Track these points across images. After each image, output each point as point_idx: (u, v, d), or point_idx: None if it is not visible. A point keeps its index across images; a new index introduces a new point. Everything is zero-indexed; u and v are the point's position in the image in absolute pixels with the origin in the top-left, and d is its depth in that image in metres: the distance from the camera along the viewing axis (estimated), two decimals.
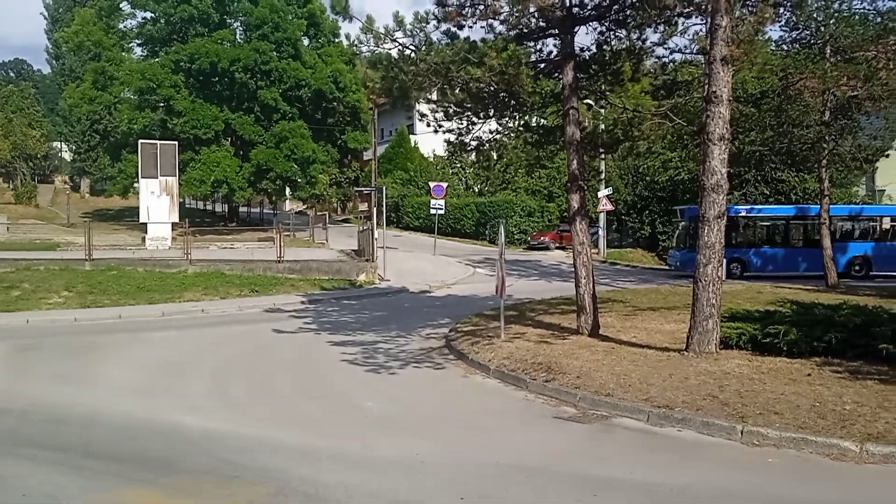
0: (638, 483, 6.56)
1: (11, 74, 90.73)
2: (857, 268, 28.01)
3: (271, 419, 9.01)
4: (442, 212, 35.60)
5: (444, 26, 11.62)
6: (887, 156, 25.14)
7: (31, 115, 56.18)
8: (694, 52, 13.66)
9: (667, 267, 33.52)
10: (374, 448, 7.74)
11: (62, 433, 8.45)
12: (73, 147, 64.71)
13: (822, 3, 20.12)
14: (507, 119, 14.32)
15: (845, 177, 32.01)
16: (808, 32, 20.61)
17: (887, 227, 28.83)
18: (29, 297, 19.45)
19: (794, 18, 19.36)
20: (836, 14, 20.15)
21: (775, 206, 31.56)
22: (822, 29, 20.21)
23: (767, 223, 29.15)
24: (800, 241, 28.68)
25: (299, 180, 42.36)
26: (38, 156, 54.66)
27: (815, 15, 19.90)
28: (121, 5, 41.81)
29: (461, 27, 12.02)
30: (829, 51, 20.95)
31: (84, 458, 7.49)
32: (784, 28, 20.32)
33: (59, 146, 69.64)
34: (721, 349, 11.06)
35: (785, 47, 21.58)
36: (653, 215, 36.71)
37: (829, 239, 23.35)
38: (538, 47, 13.40)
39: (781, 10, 11.70)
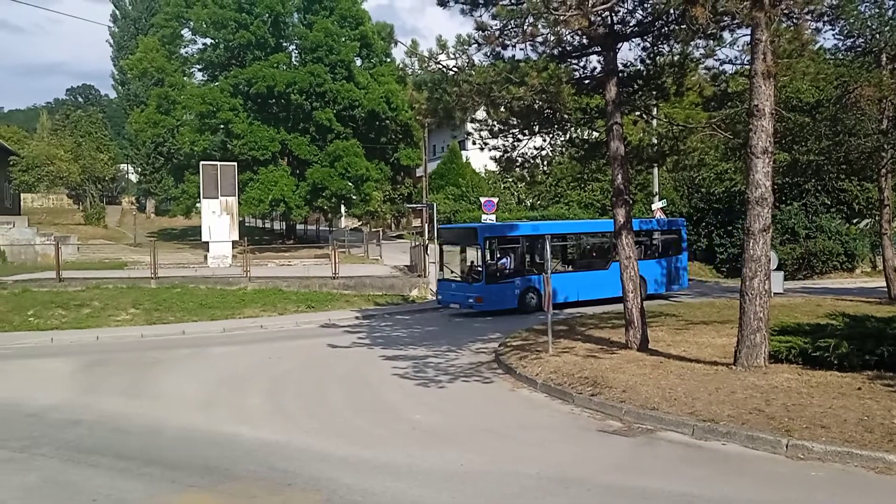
0: (676, 495, 6.64)
1: (80, 99, 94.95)
2: (663, 287, 24.45)
3: (322, 430, 9.35)
4: None
5: (485, 48, 11.92)
6: None
7: (99, 139, 58.56)
8: (744, 62, 13.60)
9: (724, 278, 32.96)
10: (420, 458, 7.99)
11: (127, 442, 8.97)
12: (139, 169, 67.32)
13: (877, 10, 19.71)
14: (552, 135, 14.49)
15: None
16: (862, 40, 20.17)
17: (668, 240, 25.46)
18: (98, 314, 20.41)
19: (847, 27, 19.02)
20: (890, 21, 19.69)
21: (567, 222, 28.10)
22: (878, 36, 19.76)
23: (564, 242, 23.81)
24: (599, 261, 23.75)
25: (353, 197, 43.23)
26: (106, 178, 56.86)
27: (868, 23, 19.49)
28: (182, 32, 43.58)
29: (504, 47, 12.29)
30: (884, 58, 20.46)
31: (146, 465, 7.96)
32: (838, 36, 19.96)
33: (125, 168, 72.43)
34: (771, 363, 10.95)
35: (840, 56, 21.17)
36: (709, 227, 36.17)
37: (890, 250, 22.66)
38: (581, 64, 13.58)
39: (825, 21, 11.49)
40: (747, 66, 11.42)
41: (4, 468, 7.97)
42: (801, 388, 9.63)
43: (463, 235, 23.13)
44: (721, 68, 13.81)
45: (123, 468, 7.91)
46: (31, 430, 9.62)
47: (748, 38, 11.07)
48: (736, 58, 13.29)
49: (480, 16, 12.12)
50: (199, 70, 45.90)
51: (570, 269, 23.20)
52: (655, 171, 31.75)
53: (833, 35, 20.39)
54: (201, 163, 33.42)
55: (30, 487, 7.36)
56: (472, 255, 22.11)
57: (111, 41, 70.91)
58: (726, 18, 11.41)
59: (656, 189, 35.22)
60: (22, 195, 52.49)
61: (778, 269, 21.01)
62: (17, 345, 17.28)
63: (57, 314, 20.18)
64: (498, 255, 21.54)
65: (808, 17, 11.29)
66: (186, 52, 44.87)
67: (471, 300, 20.90)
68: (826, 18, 11.64)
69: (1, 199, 43.43)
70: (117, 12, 70.19)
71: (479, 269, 21.09)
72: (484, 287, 20.89)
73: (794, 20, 11.22)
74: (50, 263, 25.91)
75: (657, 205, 34.10)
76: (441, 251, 22.77)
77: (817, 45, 17.74)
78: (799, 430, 7.99)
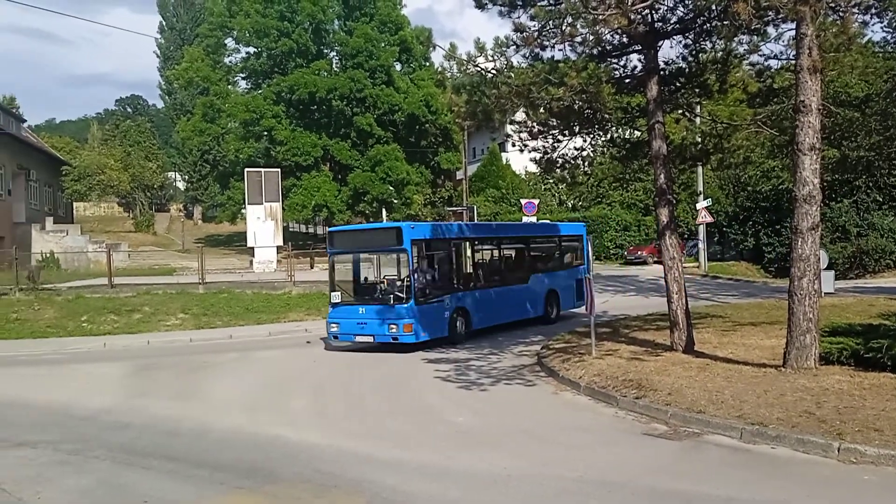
0: (723, 499, 6.51)
1: (129, 110, 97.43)
2: (550, 308, 20.21)
3: (365, 433, 9.43)
4: None
5: (524, 50, 11.90)
6: None
7: (147, 148, 60.16)
8: (790, 57, 13.32)
9: (773, 278, 32.23)
10: (461, 461, 7.99)
11: (176, 445, 9.18)
12: (186, 177, 68.89)
13: None
14: (592, 135, 14.38)
15: None
16: None
17: (570, 248, 22.00)
18: (149, 319, 20.93)
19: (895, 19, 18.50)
20: None
21: (500, 224, 24.36)
22: None
23: (488, 248, 19.21)
24: (518, 273, 19.69)
25: (394, 202, 43.58)
26: (155, 186, 58.33)
27: None
28: (226, 42, 44.52)
29: (543, 48, 12.23)
30: None
31: (195, 467, 8.13)
32: (887, 29, 19.43)
33: (173, 176, 74.11)
34: (821, 365, 10.68)
35: (889, 48, 20.60)
36: (756, 226, 35.50)
37: None
38: (622, 63, 13.44)
39: (872, 14, 11.16)
40: (793, 62, 11.20)
41: (59, 470, 8.21)
42: (853, 391, 9.38)
43: (378, 239, 17.23)
44: (766, 64, 13.56)
45: (173, 470, 8.08)
46: (84, 433, 9.90)
47: (793, 33, 10.85)
48: (781, 53, 13.02)
49: (518, 17, 12.08)
50: (243, 78, 46.89)
51: (490, 283, 18.57)
52: (699, 169, 31.29)
53: (881, 28, 19.89)
54: (246, 169, 34.03)
55: (84, 489, 7.57)
56: (384, 266, 17.45)
57: (158, 52, 72.87)
58: (770, 13, 11.17)
59: (701, 188, 34.74)
60: (74, 204, 54.09)
61: (828, 268, 20.51)
62: (72, 349, 17.82)
63: (109, 319, 20.75)
64: (426, 266, 16.46)
65: (855, 9, 10.99)
66: (230, 62, 45.89)
67: (394, 329, 15.51)
68: (873, 11, 11.33)
69: (55, 208, 44.82)
70: (164, 24, 72.01)
71: (406, 284, 15.88)
72: (413, 309, 15.60)
73: (840, 13, 10.93)
74: (102, 270, 26.65)
75: (702, 204, 33.61)
76: (332, 265, 17.09)
77: (865, 39, 17.32)
78: (851, 434, 7.77)
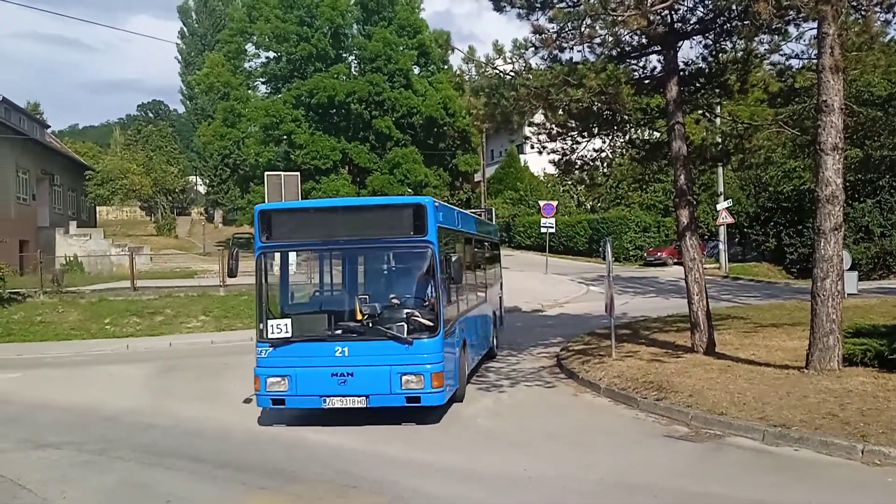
0: (746, 501, 6.49)
1: (150, 115, 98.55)
2: (495, 341, 14.91)
3: (386, 434, 9.44)
4: (553, 230, 35.56)
5: (542, 52, 11.91)
6: None
7: (169, 153, 60.85)
8: (811, 57, 13.22)
9: (795, 279, 31.88)
10: (483, 463, 8.00)
11: (199, 445, 9.26)
12: (207, 181, 69.53)
13: None
14: (611, 136, 14.34)
15: None
16: None
17: (491, 255, 16.61)
18: (171, 321, 21.11)
19: None
20: None
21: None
22: None
23: (474, 248, 13.78)
24: (480, 290, 13.92)
25: None
26: (176, 190, 58.93)
27: None
28: (246, 47, 44.93)
29: (562, 49, 12.23)
30: None
31: (218, 468, 8.21)
32: None
33: (194, 180, 74.80)
34: (845, 366, 10.56)
35: None
36: (778, 227, 35.17)
37: None
38: (641, 64, 13.40)
39: (895, 13, 11.01)
40: (814, 61, 11.11)
41: (84, 470, 8.32)
42: (877, 392, 9.27)
43: (371, 224, 9.88)
44: (787, 63, 13.46)
45: (196, 470, 8.16)
46: (108, 434, 10.02)
47: (814, 32, 10.77)
48: (802, 52, 12.92)
49: (537, 19, 12.07)
50: (263, 83, 47.31)
51: (474, 302, 12.73)
52: (720, 170, 31.06)
53: None
54: (266, 173, 34.19)
55: (108, 488, 7.67)
56: (386, 272, 11.49)
57: (179, 58, 73.60)
58: (791, 13, 11.08)
59: (721, 189, 34.50)
60: (97, 208, 54.72)
61: (852, 269, 20.26)
62: (95, 352, 18.02)
63: (132, 322, 20.95)
64: (453, 273, 9.73)
65: (877, 8, 10.89)
66: (250, 66, 46.30)
67: (414, 383, 9.22)
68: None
69: (78, 213, 45.36)
70: (185, 29, 72.77)
71: (432, 302, 9.61)
72: (440, 346, 9.37)
73: (863, 12, 10.84)
74: (124, 273, 26.91)
75: (722, 204, 33.36)
76: (263, 272, 9.93)
77: (888, 38, 17.08)
78: (875, 436, 7.69)
